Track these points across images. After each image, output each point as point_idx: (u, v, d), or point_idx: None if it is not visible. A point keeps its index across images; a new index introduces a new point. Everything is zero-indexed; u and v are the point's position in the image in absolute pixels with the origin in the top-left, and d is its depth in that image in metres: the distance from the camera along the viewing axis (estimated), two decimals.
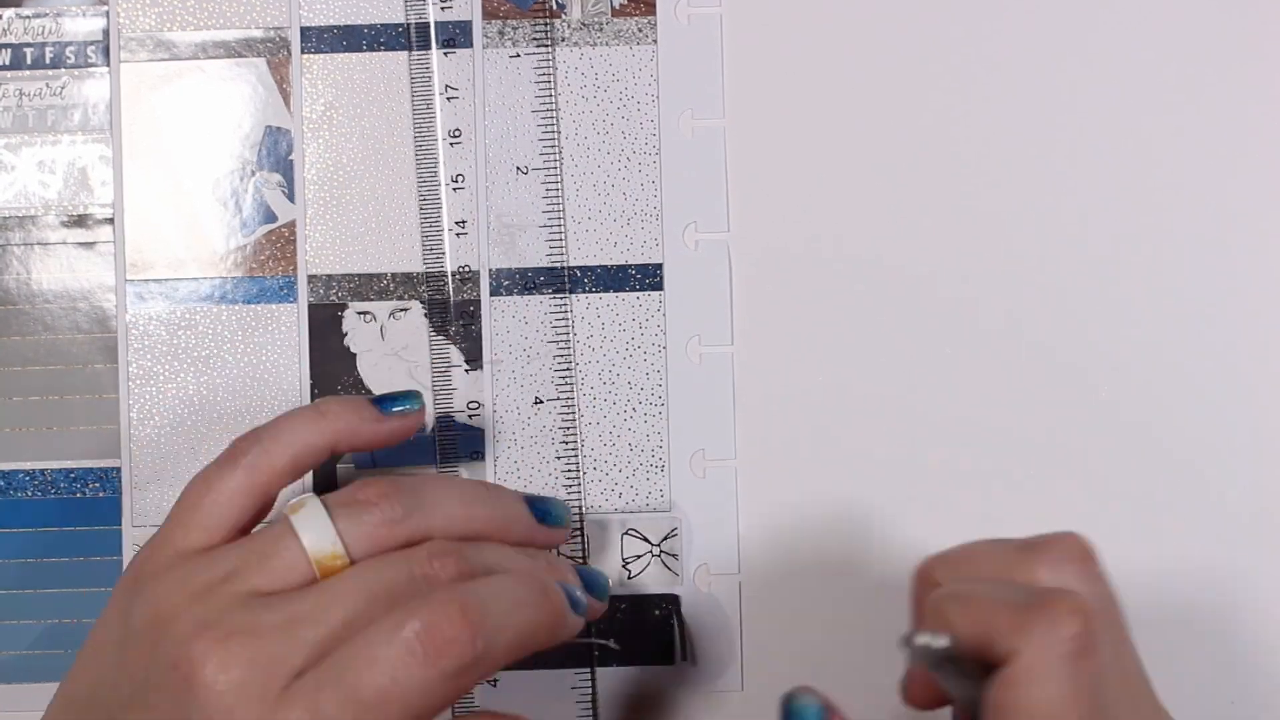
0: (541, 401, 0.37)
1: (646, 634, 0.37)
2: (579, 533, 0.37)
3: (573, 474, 0.37)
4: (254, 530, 0.31)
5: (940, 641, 0.26)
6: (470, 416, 0.37)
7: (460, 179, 0.38)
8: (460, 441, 0.37)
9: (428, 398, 0.37)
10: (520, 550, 0.32)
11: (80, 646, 0.31)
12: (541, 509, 0.33)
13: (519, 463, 0.37)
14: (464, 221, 0.37)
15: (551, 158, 0.37)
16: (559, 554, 0.36)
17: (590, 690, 0.37)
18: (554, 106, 0.37)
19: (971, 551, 0.29)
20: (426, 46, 0.38)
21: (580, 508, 0.37)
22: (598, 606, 0.32)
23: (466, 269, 0.37)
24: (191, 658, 0.27)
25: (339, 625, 0.28)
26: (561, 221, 0.37)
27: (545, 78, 0.37)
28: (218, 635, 0.27)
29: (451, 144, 0.38)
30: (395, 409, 0.33)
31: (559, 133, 0.38)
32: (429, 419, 0.37)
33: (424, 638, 0.27)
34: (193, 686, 0.27)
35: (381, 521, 0.30)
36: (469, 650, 0.27)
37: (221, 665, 0.27)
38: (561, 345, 0.37)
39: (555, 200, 0.37)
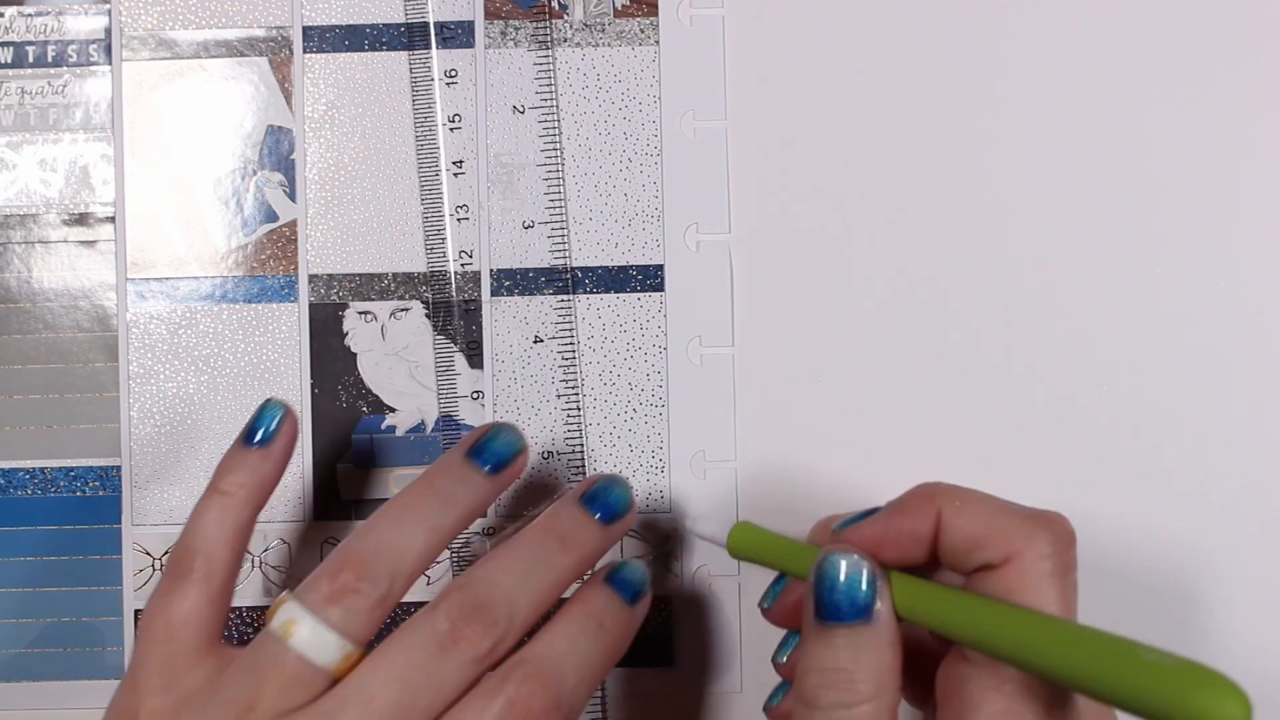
0: (541, 340, 0.37)
1: (646, 635, 0.37)
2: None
3: (574, 414, 0.37)
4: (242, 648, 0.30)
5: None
6: (475, 398, 0.37)
7: (460, 164, 0.38)
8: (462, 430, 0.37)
9: (430, 396, 0.37)
10: (534, 556, 0.31)
11: None
12: (600, 505, 0.32)
13: (519, 402, 0.37)
14: (464, 192, 0.37)
15: (549, 95, 0.37)
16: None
17: (599, 691, 0.37)
18: (551, 63, 0.37)
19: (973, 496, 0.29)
20: (428, 46, 0.38)
21: (582, 450, 0.37)
22: (644, 605, 0.32)
23: (468, 254, 0.37)
24: None
25: (388, 713, 0.28)
26: (560, 166, 0.37)
27: (544, 53, 0.37)
28: None
29: (451, 130, 0.38)
30: (270, 429, 0.32)
31: (555, 79, 0.37)
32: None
33: (513, 714, 0.28)
34: None
35: (371, 605, 0.29)
36: (555, 717, 0.28)
37: None
38: (560, 287, 0.37)
39: (553, 139, 0.37)
